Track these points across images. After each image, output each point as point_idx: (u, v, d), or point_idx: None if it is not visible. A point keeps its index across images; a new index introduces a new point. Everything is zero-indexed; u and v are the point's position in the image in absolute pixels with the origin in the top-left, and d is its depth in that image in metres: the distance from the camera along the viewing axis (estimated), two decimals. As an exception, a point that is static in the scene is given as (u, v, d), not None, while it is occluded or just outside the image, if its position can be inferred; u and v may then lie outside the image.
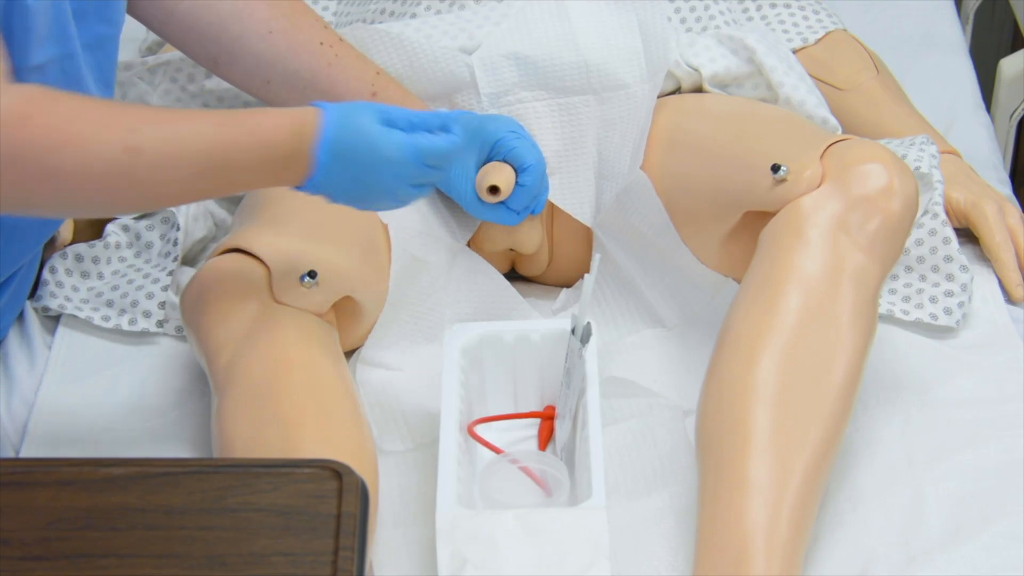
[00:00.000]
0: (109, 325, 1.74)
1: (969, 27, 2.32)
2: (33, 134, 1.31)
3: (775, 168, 1.57)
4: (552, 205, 1.76)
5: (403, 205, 1.49)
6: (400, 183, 1.46)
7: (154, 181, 1.36)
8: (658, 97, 1.76)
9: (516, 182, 1.64)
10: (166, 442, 1.63)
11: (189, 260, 1.81)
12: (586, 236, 1.76)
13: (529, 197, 1.64)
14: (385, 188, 1.45)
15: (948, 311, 1.72)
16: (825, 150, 1.57)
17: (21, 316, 1.75)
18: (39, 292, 1.76)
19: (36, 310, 1.76)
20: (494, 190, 1.62)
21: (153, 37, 2.06)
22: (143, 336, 1.74)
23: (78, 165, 1.32)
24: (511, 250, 1.77)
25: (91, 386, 1.69)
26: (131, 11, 1.65)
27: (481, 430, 1.56)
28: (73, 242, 1.79)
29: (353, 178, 1.43)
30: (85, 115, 1.34)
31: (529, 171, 1.63)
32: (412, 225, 1.68)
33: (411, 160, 1.45)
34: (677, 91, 1.81)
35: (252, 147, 1.39)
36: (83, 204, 1.38)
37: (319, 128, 1.41)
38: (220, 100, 1.83)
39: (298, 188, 1.44)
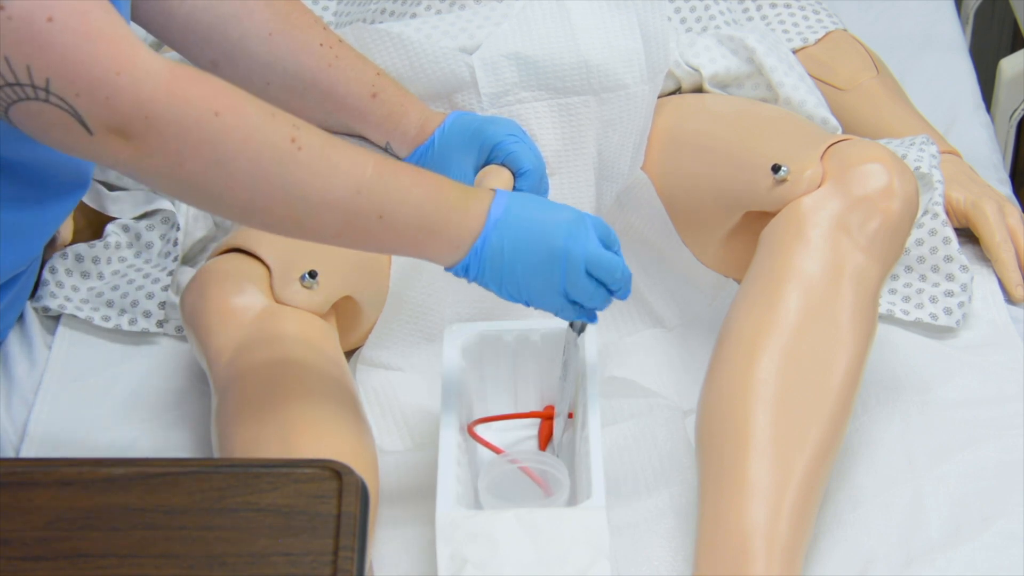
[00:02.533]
0: (109, 325, 1.74)
1: (969, 27, 2.32)
2: (192, 93, 1.25)
3: (775, 168, 1.57)
4: (552, 205, 1.76)
5: (566, 298, 1.40)
6: (574, 246, 1.37)
7: (311, 184, 1.29)
8: (658, 97, 1.76)
9: (514, 187, 1.63)
10: (166, 442, 1.63)
11: (189, 260, 1.81)
12: (586, 236, 1.76)
13: (527, 202, 1.64)
14: (556, 251, 1.37)
15: (948, 311, 1.72)
16: (825, 150, 1.57)
17: (21, 316, 1.75)
18: (39, 292, 1.76)
19: (36, 310, 1.76)
20: None
21: (153, 38, 2.06)
22: (143, 336, 1.74)
23: (240, 136, 1.27)
24: (511, 250, 1.77)
25: (91, 386, 1.69)
26: (131, 15, 1.65)
27: (481, 430, 1.55)
28: (73, 242, 1.79)
29: (524, 237, 1.36)
30: (248, 96, 1.29)
31: (527, 176, 1.63)
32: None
33: (591, 223, 1.38)
34: (677, 91, 1.81)
35: (416, 182, 1.34)
36: (234, 188, 1.29)
37: (494, 193, 1.38)
38: (220, 100, 1.82)
39: (457, 265, 1.38)
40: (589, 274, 1.39)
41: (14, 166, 1.44)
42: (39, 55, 1.22)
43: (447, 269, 1.39)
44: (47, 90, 1.23)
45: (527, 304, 1.41)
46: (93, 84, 1.23)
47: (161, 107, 1.24)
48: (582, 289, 1.39)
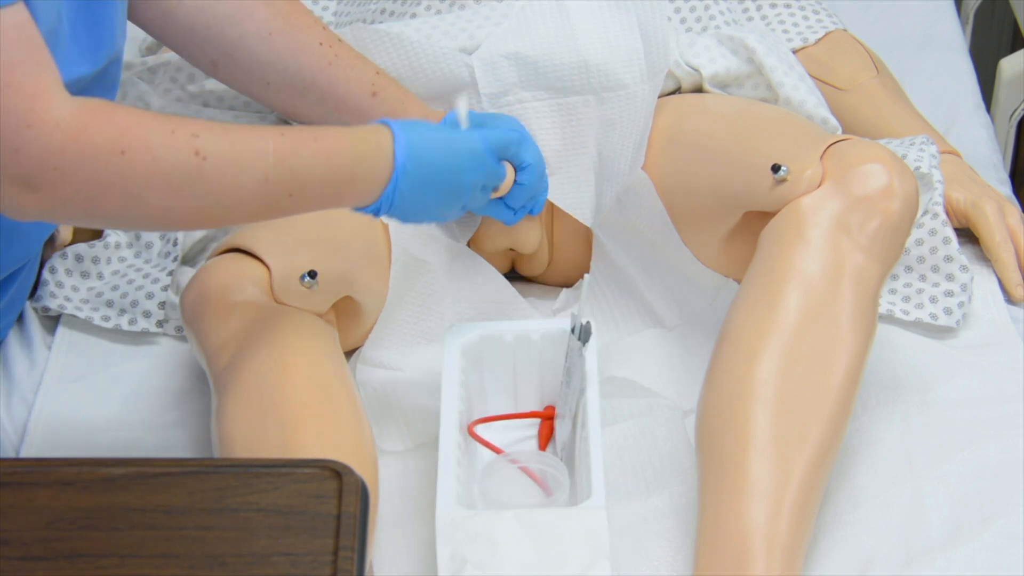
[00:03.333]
0: (109, 325, 1.74)
1: (969, 27, 2.32)
2: (97, 139, 1.28)
3: (775, 168, 1.57)
4: (552, 205, 1.76)
5: (463, 211, 1.52)
6: (476, 178, 1.50)
7: (222, 188, 1.34)
8: (658, 97, 1.76)
9: (515, 180, 1.63)
10: (166, 442, 1.63)
11: (189, 260, 1.81)
12: (586, 236, 1.76)
13: (527, 196, 1.64)
14: (461, 186, 1.49)
15: (948, 311, 1.73)
16: (825, 150, 1.57)
17: (21, 316, 1.75)
18: (39, 292, 1.76)
19: (36, 310, 1.76)
20: None
21: (152, 38, 2.06)
22: (143, 336, 1.74)
23: (147, 168, 1.30)
24: (511, 250, 1.77)
25: (91, 386, 1.69)
26: (129, 16, 1.65)
27: (481, 430, 1.56)
28: (73, 242, 1.79)
29: (431, 179, 1.46)
30: (148, 121, 1.32)
31: (528, 170, 1.63)
32: (412, 225, 1.68)
33: (486, 150, 1.49)
34: (677, 91, 1.81)
35: (316, 153, 1.39)
36: (150, 212, 1.34)
37: (392, 134, 1.44)
38: (220, 100, 1.83)
39: (367, 208, 1.44)
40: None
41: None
42: None
43: (355, 209, 1.46)
44: None
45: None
46: (2, 137, 1.24)
47: (69, 159, 1.27)
48: (486, 208, 1.57)
